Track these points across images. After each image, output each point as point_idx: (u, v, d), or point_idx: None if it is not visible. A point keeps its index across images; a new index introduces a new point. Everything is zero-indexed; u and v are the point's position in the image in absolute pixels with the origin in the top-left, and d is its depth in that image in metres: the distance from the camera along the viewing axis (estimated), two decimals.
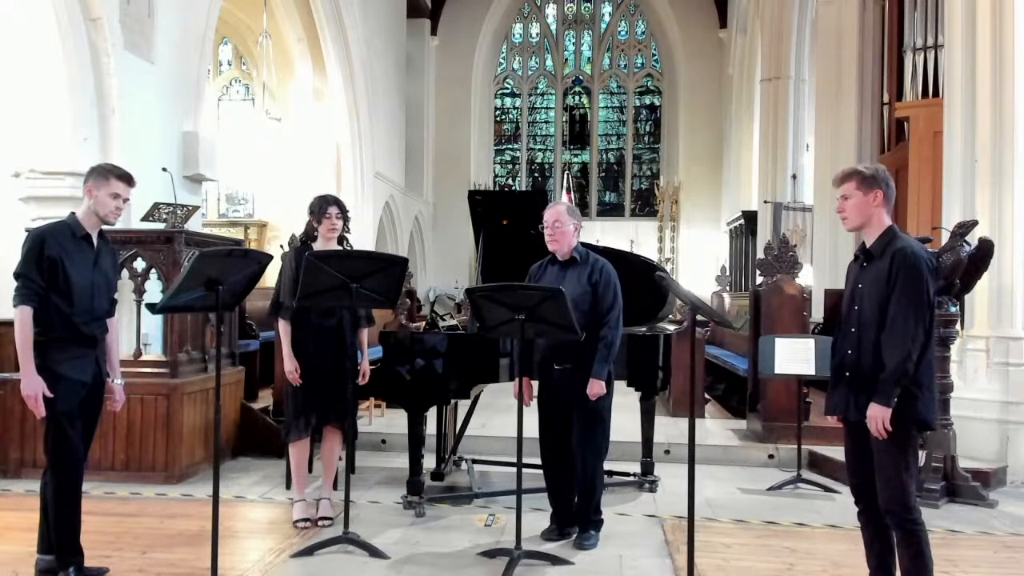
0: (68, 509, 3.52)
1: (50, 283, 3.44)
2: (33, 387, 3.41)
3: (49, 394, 3.42)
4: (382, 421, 7.26)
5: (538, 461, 4.59)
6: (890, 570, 3.27)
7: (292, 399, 4.56)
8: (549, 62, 21.74)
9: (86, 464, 3.65)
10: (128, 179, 3.62)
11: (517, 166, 21.79)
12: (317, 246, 4.58)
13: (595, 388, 4.17)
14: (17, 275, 3.47)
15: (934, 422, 3.19)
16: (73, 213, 3.61)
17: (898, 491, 3.09)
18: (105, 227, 3.67)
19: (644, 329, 5.39)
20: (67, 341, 3.48)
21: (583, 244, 4.46)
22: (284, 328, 4.54)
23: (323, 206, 4.60)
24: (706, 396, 8.60)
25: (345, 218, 4.67)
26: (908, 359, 3.02)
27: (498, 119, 21.87)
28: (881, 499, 3.13)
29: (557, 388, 4.31)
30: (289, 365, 4.48)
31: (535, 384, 4.44)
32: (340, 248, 4.63)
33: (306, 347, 4.50)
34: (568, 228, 4.28)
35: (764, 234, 12.55)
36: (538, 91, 21.84)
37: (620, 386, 5.18)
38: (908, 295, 3.04)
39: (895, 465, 3.09)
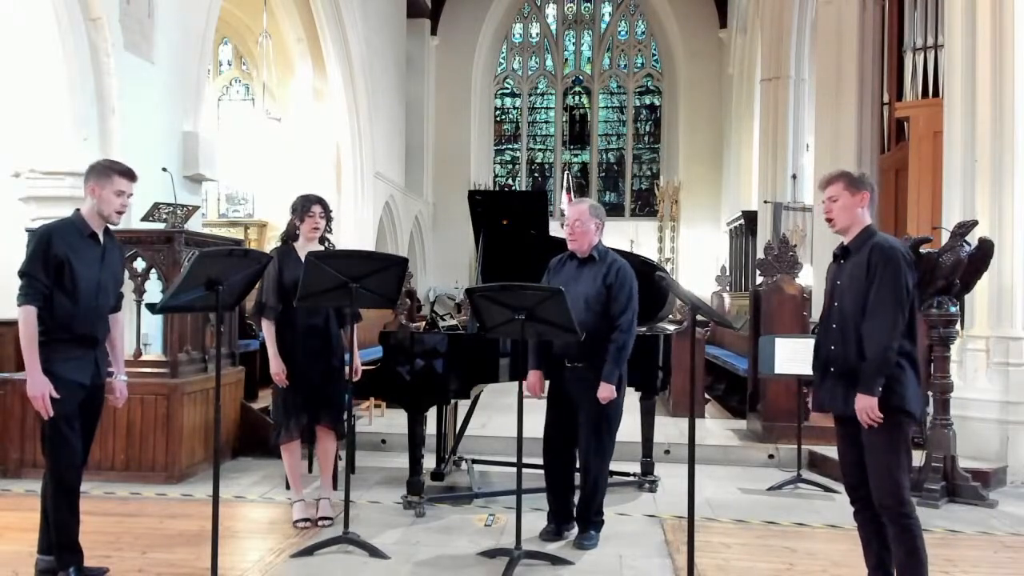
0: (67, 511, 3.50)
1: (56, 282, 3.39)
2: (39, 387, 3.36)
3: (56, 395, 3.37)
4: (382, 421, 7.26)
5: (538, 461, 4.59)
6: (888, 570, 3.27)
7: (281, 400, 4.54)
8: (549, 62, 21.74)
9: (86, 465, 3.63)
10: (130, 175, 3.58)
11: (517, 166, 21.78)
12: (298, 245, 4.56)
13: (605, 392, 4.15)
14: (22, 273, 3.42)
15: (920, 412, 3.21)
16: (78, 210, 3.56)
17: (891, 486, 3.11)
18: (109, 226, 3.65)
19: (644, 329, 5.38)
20: (68, 342, 3.44)
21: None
22: (268, 329, 4.50)
23: (306, 205, 4.56)
24: (706, 396, 8.60)
25: (328, 218, 4.64)
26: (889, 348, 3.07)
27: (498, 119, 21.86)
28: (875, 495, 3.15)
29: (567, 387, 4.30)
30: (276, 366, 4.44)
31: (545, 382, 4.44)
32: (324, 248, 4.59)
33: (293, 347, 4.47)
34: (589, 228, 4.26)
35: (764, 234, 12.55)
36: (538, 91, 21.84)
37: None
38: (887, 286, 3.09)
39: (887, 460, 3.12)
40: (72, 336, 3.46)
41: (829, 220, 3.32)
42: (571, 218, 4.28)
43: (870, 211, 3.29)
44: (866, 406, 3.07)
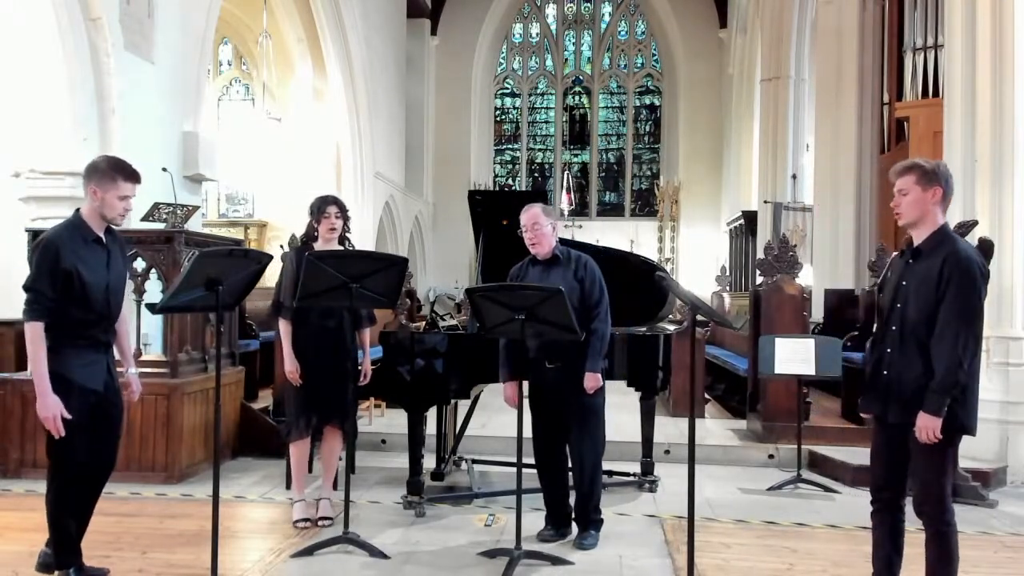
0: (66, 516, 3.46)
1: (66, 292, 3.31)
2: (50, 408, 3.26)
3: (68, 415, 3.29)
4: (382, 421, 7.26)
5: None
6: (895, 573, 3.27)
7: (293, 399, 4.56)
8: (549, 62, 21.75)
9: (113, 470, 3.59)
10: (135, 177, 3.49)
11: (517, 166, 21.79)
12: (318, 246, 4.58)
13: (591, 382, 4.17)
14: (28, 288, 3.31)
15: (974, 428, 3.13)
16: (78, 211, 3.47)
17: (937, 493, 3.09)
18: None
19: (644, 329, 5.38)
20: (80, 347, 3.39)
21: (567, 241, 4.45)
22: (285, 328, 4.54)
23: (322, 206, 4.60)
24: (706, 396, 8.59)
25: (345, 218, 4.67)
26: (960, 368, 2.96)
27: (498, 119, 21.88)
28: (918, 499, 3.13)
29: (549, 387, 4.29)
30: (290, 365, 4.47)
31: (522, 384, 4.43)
32: (340, 248, 4.62)
33: (307, 347, 4.50)
34: (547, 228, 4.26)
35: (764, 234, 12.56)
36: (538, 91, 21.85)
37: (620, 386, 5.20)
38: (961, 302, 2.97)
39: (935, 469, 3.08)
40: (84, 342, 3.40)
41: (897, 214, 3.17)
42: (528, 222, 4.26)
43: (943, 207, 3.12)
44: (929, 426, 2.99)
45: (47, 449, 3.45)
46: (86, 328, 3.40)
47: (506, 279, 4.46)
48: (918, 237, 3.14)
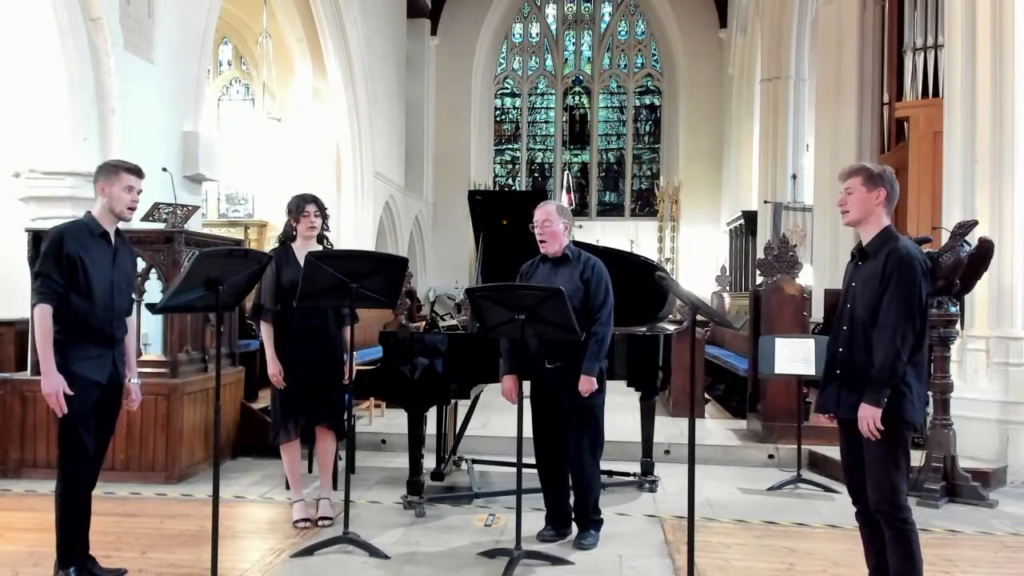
0: (73, 510, 3.50)
1: (70, 282, 3.43)
2: (53, 385, 3.38)
3: (69, 392, 3.39)
4: (382, 421, 7.26)
5: None
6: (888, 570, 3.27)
7: (279, 401, 4.53)
8: (549, 62, 21.74)
9: (101, 466, 3.62)
10: (137, 171, 3.61)
11: (517, 166, 21.79)
12: (296, 246, 4.56)
13: (586, 385, 4.17)
14: (36, 274, 3.48)
15: (920, 423, 3.19)
16: (89, 212, 3.59)
17: (888, 490, 3.10)
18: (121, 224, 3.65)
19: (644, 329, 5.38)
20: (85, 340, 3.47)
21: (576, 243, 4.45)
22: (266, 331, 4.50)
23: (300, 204, 4.57)
24: (706, 396, 8.60)
25: (324, 216, 4.64)
26: (898, 358, 3.03)
27: (498, 119, 21.87)
28: (871, 498, 3.14)
29: (549, 387, 4.29)
30: (273, 368, 4.44)
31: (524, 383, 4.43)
32: (322, 247, 4.59)
33: (291, 348, 4.46)
34: (559, 227, 4.27)
35: (764, 234, 12.56)
36: (538, 91, 21.84)
37: (620, 386, 5.20)
38: (901, 296, 3.05)
39: (885, 464, 3.11)
40: (89, 335, 3.48)
41: (844, 212, 3.28)
42: (540, 219, 4.27)
43: (888, 209, 3.22)
44: (869, 416, 3.04)
45: (57, 442, 3.50)
46: (89, 320, 3.47)
47: (507, 279, 4.46)
48: (865, 238, 3.26)
